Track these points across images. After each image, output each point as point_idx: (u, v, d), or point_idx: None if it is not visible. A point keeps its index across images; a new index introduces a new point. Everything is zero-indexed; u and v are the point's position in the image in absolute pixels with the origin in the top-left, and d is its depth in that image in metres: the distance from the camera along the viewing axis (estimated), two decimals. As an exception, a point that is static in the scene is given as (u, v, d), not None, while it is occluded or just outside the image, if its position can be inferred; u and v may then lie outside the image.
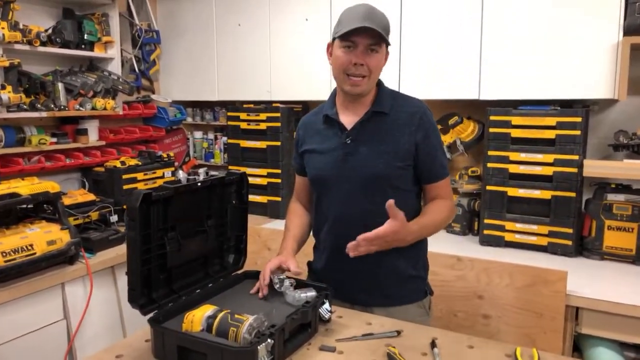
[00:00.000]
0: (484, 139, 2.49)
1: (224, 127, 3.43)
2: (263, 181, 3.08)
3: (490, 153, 2.43)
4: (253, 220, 2.86)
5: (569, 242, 2.29)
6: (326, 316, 1.47)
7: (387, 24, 1.48)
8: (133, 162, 2.85)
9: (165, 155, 3.04)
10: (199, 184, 1.49)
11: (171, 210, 1.42)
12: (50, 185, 2.18)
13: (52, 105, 2.49)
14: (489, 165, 2.44)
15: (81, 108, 2.62)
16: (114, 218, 2.61)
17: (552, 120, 2.28)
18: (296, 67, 2.89)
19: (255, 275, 1.65)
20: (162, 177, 2.99)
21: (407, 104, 1.57)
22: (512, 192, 2.40)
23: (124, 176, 2.77)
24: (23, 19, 2.51)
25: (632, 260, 2.21)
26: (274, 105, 3.02)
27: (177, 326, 1.30)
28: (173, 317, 1.38)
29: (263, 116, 3.03)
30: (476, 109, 2.62)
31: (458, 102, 2.63)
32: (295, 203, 1.80)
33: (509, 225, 2.42)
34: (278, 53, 2.97)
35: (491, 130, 2.42)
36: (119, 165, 2.77)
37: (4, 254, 1.94)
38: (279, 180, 3.03)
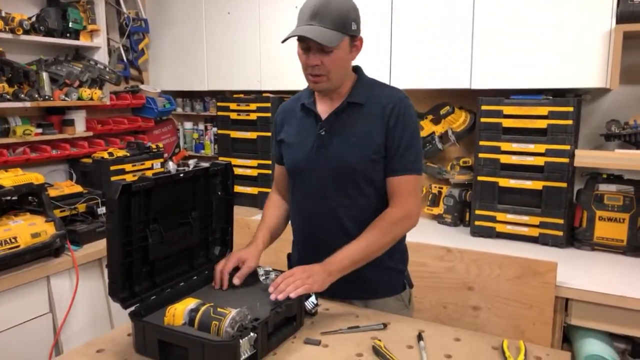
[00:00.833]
0: (476, 129, 2.46)
1: (214, 118, 3.39)
2: (253, 172, 3.05)
3: (481, 143, 2.41)
4: (243, 212, 2.84)
5: (560, 233, 2.28)
6: (312, 309, 1.45)
7: (341, 17, 1.38)
8: (121, 153, 2.81)
9: (154, 147, 3.00)
10: (182, 175, 1.46)
11: (153, 201, 1.38)
12: (34, 176, 2.14)
13: (37, 95, 2.44)
14: (481, 155, 2.42)
15: (67, 98, 2.57)
16: (102, 210, 2.57)
17: (544, 110, 2.25)
18: (286, 57, 2.83)
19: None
20: (151, 168, 2.95)
21: (383, 94, 1.52)
22: (504, 182, 2.38)
23: (112, 167, 2.73)
24: (6, 6, 2.45)
25: (622, 251, 2.20)
26: (264, 95, 2.98)
27: (160, 320, 1.28)
28: (155, 311, 1.35)
29: (253, 106, 2.99)
30: (468, 99, 2.59)
31: (449, 92, 2.60)
32: (274, 193, 1.78)
33: (500, 216, 2.41)
34: (268, 42, 2.93)
35: (483, 120, 2.40)
36: (106, 156, 2.73)
37: (-13, 247, 1.91)
38: (269, 172, 3.00)
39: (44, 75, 2.47)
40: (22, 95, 2.39)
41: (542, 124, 2.26)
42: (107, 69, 2.78)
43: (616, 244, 2.21)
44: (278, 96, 2.97)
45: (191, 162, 3.62)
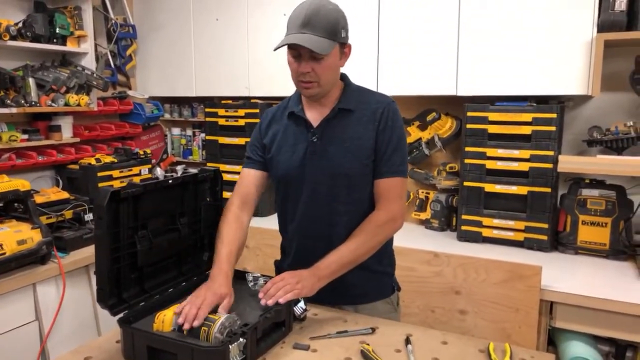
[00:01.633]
0: (462, 135, 2.50)
1: (202, 124, 3.39)
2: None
3: (467, 149, 2.44)
4: (231, 218, 2.83)
5: (545, 237, 2.32)
6: (301, 314, 1.46)
7: (331, 24, 1.40)
8: (109, 159, 2.80)
9: (142, 153, 2.99)
10: (170, 181, 1.46)
11: (142, 208, 1.39)
12: (20, 183, 2.13)
13: (23, 101, 2.42)
14: (467, 161, 2.45)
15: (54, 104, 2.55)
16: (89, 217, 2.55)
17: (528, 116, 2.29)
18: (275, 63, 2.85)
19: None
20: (139, 174, 2.94)
21: (372, 100, 1.55)
22: (489, 187, 2.42)
23: (100, 174, 2.72)
24: (-8, 12, 2.45)
25: (605, 255, 2.24)
26: (252, 101, 2.99)
27: (148, 326, 1.28)
28: (144, 318, 1.35)
29: (241, 112, 3.00)
30: (454, 105, 2.63)
31: (436, 98, 2.63)
32: (235, 209, 1.60)
33: (486, 221, 2.44)
34: (256, 49, 2.94)
35: (468, 126, 2.43)
36: (94, 162, 2.72)
37: (-28, 254, 1.89)
38: (257, 177, 3.00)
39: (31, 81, 2.46)
40: (8, 101, 2.37)
41: (526, 130, 2.30)
42: (95, 74, 2.77)
43: (599, 247, 2.25)
44: (266, 102, 2.98)
45: (179, 168, 3.60)
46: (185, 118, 3.47)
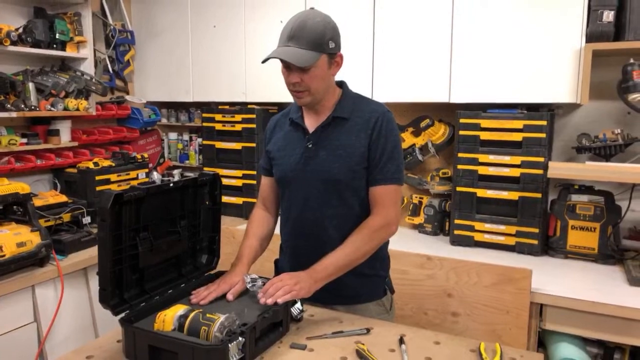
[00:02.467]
0: (454, 141, 2.55)
1: (199, 129, 3.43)
2: (238, 182, 3.09)
3: (460, 155, 2.49)
4: (228, 222, 2.87)
5: (535, 242, 2.37)
6: (297, 315, 1.50)
7: (317, 37, 1.46)
8: (107, 163, 2.83)
9: (139, 157, 3.03)
10: (171, 184, 1.50)
11: (143, 210, 1.42)
12: (20, 186, 2.16)
13: (23, 106, 2.45)
14: (459, 166, 2.50)
15: (53, 108, 2.58)
16: (87, 220, 2.58)
17: (519, 124, 2.35)
18: (271, 69, 2.87)
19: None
20: (136, 178, 2.97)
21: (367, 108, 1.60)
22: (481, 193, 2.47)
23: (98, 177, 2.75)
24: (-7, 17, 2.48)
25: (594, 259, 2.29)
26: (249, 106, 3.04)
27: (149, 326, 1.31)
28: (145, 318, 1.38)
29: (238, 117, 3.04)
30: (447, 112, 2.68)
31: (429, 105, 2.68)
32: (259, 208, 1.80)
33: (478, 225, 2.48)
34: (253, 55, 2.98)
35: (461, 132, 2.48)
36: (92, 166, 2.75)
37: (-28, 256, 1.92)
38: (254, 182, 3.04)
39: (30, 85, 2.49)
40: (8, 105, 2.40)
41: (517, 136, 2.35)
42: (94, 79, 2.81)
43: (588, 252, 2.31)
44: (263, 108, 3.03)
45: (176, 172, 3.64)
46: (182, 123, 3.50)
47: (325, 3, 2.68)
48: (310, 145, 1.59)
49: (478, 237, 2.49)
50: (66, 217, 2.53)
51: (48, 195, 2.57)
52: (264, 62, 1.50)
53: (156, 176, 3.42)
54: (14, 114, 2.41)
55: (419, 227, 2.82)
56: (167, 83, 3.32)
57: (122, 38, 3.22)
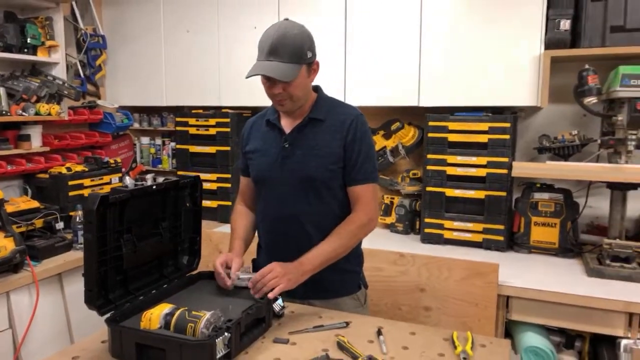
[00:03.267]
0: (424, 143, 2.65)
1: (172, 133, 3.44)
2: (213, 186, 3.11)
3: (429, 156, 2.60)
4: (204, 225, 2.85)
5: (501, 238, 2.49)
6: (279, 311, 1.55)
7: (297, 50, 1.52)
8: (80, 168, 2.81)
9: (112, 162, 3.01)
10: (154, 187, 1.53)
11: (127, 212, 1.45)
12: (-7, 192, 2.14)
13: (-6, 110, 2.43)
14: (429, 167, 2.60)
15: (24, 113, 2.56)
16: (60, 225, 2.56)
17: (484, 126, 2.47)
18: (245, 74, 2.94)
19: (209, 275, 1.72)
20: (110, 183, 2.96)
21: (342, 111, 1.68)
22: (450, 192, 2.57)
23: (70, 182, 2.73)
24: (-39, 22, 2.44)
25: (555, 253, 2.43)
26: (223, 110, 3.07)
27: (135, 326, 1.34)
28: (129, 318, 1.41)
29: (212, 121, 3.07)
30: (416, 115, 2.79)
31: (400, 109, 2.79)
32: (240, 205, 1.88)
33: (447, 223, 2.59)
34: (227, 60, 3.02)
35: (430, 135, 2.59)
36: (64, 171, 2.73)
37: (-55, 263, 1.89)
38: (228, 185, 3.07)
39: (1, 90, 2.46)
40: (-21, 111, 2.37)
41: (483, 138, 2.47)
42: (66, 84, 2.79)
43: (549, 246, 2.44)
44: (237, 112, 3.07)
45: (148, 177, 3.64)
46: (154, 127, 3.50)
47: (298, 11, 2.76)
48: (287, 145, 1.65)
49: (447, 234, 2.59)
50: (38, 223, 2.51)
51: (19, 201, 2.54)
52: (248, 77, 1.55)
53: (129, 181, 3.41)
54: (-16, 119, 2.39)
55: (390, 227, 2.91)
56: (139, 87, 3.32)
57: (94, 42, 3.20)
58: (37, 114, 2.64)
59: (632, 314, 1.91)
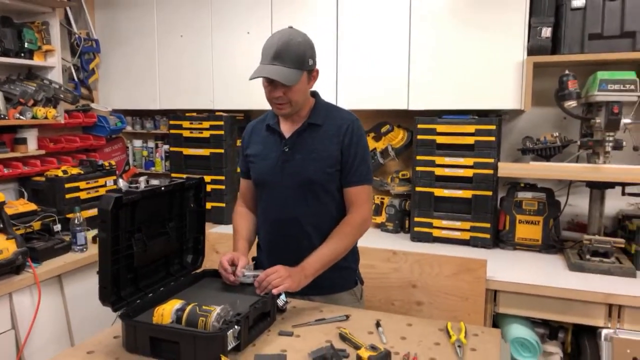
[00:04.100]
0: (413, 145, 2.75)
1: (165, 136, 3.48)
2: (207, 188, 3.15)
3: (418, 158, 2.69)
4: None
5: (488, 236, 2.60)
6: (283, 306, 1.63)
7: (300, 56, 1.60)
8: (75, 171, 2.85)
9: (107, 164, 3.05)
10: (163, 188, 1.60)
11: (138, 213, 1.52)
12: (-6, 194, 2.17)
13: (-8, 114, 2.46)
14: (418, 168, 2.70)
15: (21, 117, 2.59)
16: (58, 227, 2.60)
17: (471, 128, 2.57)
18: (239, 78, 3.02)
19: (213, 273, 1.79)
20: (104, 185, 3.00)
21: (338, 116, 1.77)
22: (438, 192, 2.67)
23: (67, 185, 2.76)
24: (-43, 26, 2.46)
25: (538, 249, 2.55)
26: (216, 113, 3.13)
27: (147, 321, 1.41)
28: (140, 314, 1.48)
29: (206, 124, 3.12)
30: (405, 118, 2.88)
31: (389, 112, 2.88)
32: (241, 206, 1.94)
33: (436, 222, 2.69)
34: (220, 64, 3.08)
35: (419, 137, 2.69)
36: (61, 174, 2.76)
37: (-50, 265, 1.92)
38: (222, 187, 3.13)
39: (-1, 94, 2.50)
40: (-22, 114, 2.40)
41: (469, 140, 2.58)
42: (62, 88, 2.82)
43: (533, 243, 2.56)
44: (231, 115, 3.13)
45: (142, 179, 3.68)
46: (147, 130, 3.54)
47: (290, 17, 2.84)
48: (286, 149, 1.73)
49: (436, 233, 2.69)
50: (36, 225, 2.54)
51: (17, 203, 2.57)
52: (251, 79, 1.62)
53: (122, 184, 3.45)
54: (-17, 123, 2.41)
55: (381, 226, 3.01)
56: (132, 91, 3.36)
57: (87, 46, 3.23)
58: (34, 117, 2.67)
59: (612, 305, 2.03)
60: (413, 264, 2.29)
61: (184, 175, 3.07)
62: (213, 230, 2.89)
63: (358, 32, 2.76)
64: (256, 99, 2.93)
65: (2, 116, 2.51)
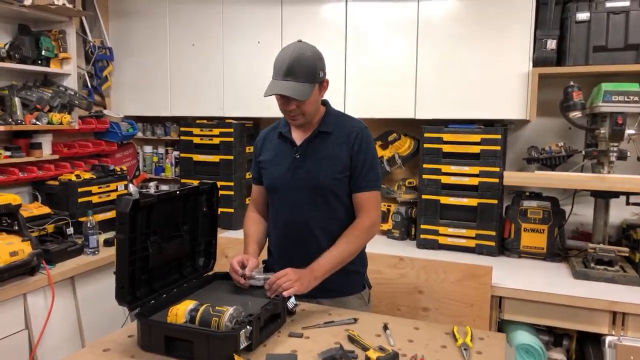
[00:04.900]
0: (419, 154, 2.79)
1: (175, 142, 3.54)
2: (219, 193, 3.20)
3: (425, 166, 2.73)
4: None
5: (493, 243, 2.63)
6: (292, 308, 1.67)
7: (311, 70, 1.65)
8: (88, 175, 2.90)
9: (118, 169, 3.11)
10: (178, 192, 1.65)
11: (154, 216, 1.57)
12: (12, 197, 2.22)
13: (10, 119, 2.52)
14: (424, 176, 2.74)
15: (37, 122, 2.65)
16: (70, 230, 2.65)
17: (477, 137, 2.62)
18: (248, 86, 3.08)
19: (223, 276, 1.84)
20: (116, 190, 3.05)
21: (348, 124, 1.82)
22: (444, 200, 2.71)
23: (80, 189, 2.82)
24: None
25: (543, 257, 2.58)
26: (227, 121, 3.19)
27: (161, 320, 1.45)
28: (154, 314, 1.52)
29: (216, 131, 3.18)
30: (412, 127, 2.93)
31: (396, 121, 2.93)
32: (253, 212, 2.00)
33: (442, 229, 2.72)
34: (231, 72, 3.15)
35: (425, 145, 2.73)
36: (74, 178, 2.81)
37: (-32, 265, 1.97)
38: (231, 193, 3.18)
39: (17, 100, 2.56)
40: (-3, 119, 2.47)
41: (475, 149, 2.62)
42: (77, 94, 2.89)
43: (538, 251, 2.59)
44: (240, 122, 3.19)
45: (151, 185, 3.74)
46: (158, 136, 3.60)
47: (300, 28, 2.91)
48: (298, 156, 1.78)
49: (442, 240, 2.73)
50: (50, 228, 2.60)
51: (32, 207, 2.62)
52: (266, 96, 1.68)
53: (132, 189, 3.51)
54: (1, 128, 2.47)
55: (387, 233, 3.04)
56: (144, 98, 3.42)
57: (101, 54, 3.31)
58: (49, 123, 2.73)
59: (616, 313, 2.06)
60: (419, 270, 2.32)
61: (195, 181, 3.14)
62: (222, 235, 2.93)
63: (366, 42, 2.82)
64: (265, 107, 2.99)
65: (19, 121, 2.57)
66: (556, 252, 2.57)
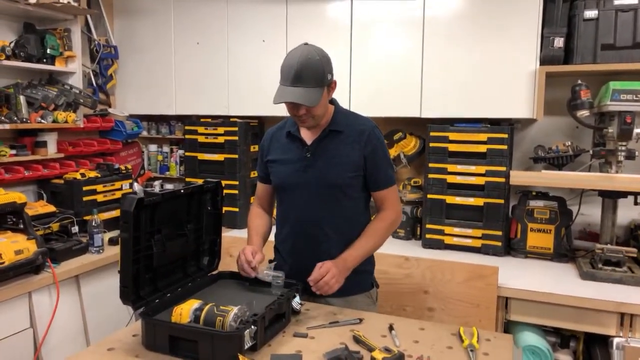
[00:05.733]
0: (425, 153, 2.77)
1: (180, 140, 3.54)
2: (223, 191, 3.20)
3: (430, 165, 2.72)
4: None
5: (499, 243, 2.61)
6: (297, 308, 1.66)
7: (319, 75, 1.65)
8: (93, 174, 2.90)
9: (123, 168, 3.11)
10: (182, 191, 1.64)
11: (158, 214, 1.56)
12: (17, 196, 2.23)
13: (15, 118, 2.52)
14: (430, 176, 2.72)
15: (43, 120, 2.65)
16: (75, 229, 2.65)
17: (483, 136, 2.60)
18: (253, 85, 3.08)
19: (228, 275, 1.83)
20: (121, 189, 3.05)
21: (358, 122, 1.82)
22: (450, 199, 2.69)
23: (85, 188, 2.82)
24: (-17, 33, 2.54)
25: (550, 258, 2.55)
26: (231, 120, 3.18)
27: (165, 320, 1.44)
28: (158, 313, 1.52)
29: (221, 130, 3.17)
30: (418, 126, 2.92)
31: (402, 120, 2.91)
32: (257, 207, 2.00)
33: (447, 229, 2.70)
34: (236, 71, 3.14)
35: (431, 144, 2.71)
36: (79, 177, 2.82)
37: (-27, 263, 1.97)
38: (236, 192, 3.17)
39: (22, 98, 2.56)
40: (2, 118, 2.46)
41: (482, 148, 2.60)
42: (82, 93, 2.89)
43: (545, 251, 2.57)
44: (245, 121, 3.18)
45: (156, 184, 3.73)
46: (162, 135, 3.60)
47: (305, 27, 2.89)
48: (308, 155, 1.78)
49: (448, 240, 2.71)
50: (55, 226, 2.60)
51: (37, 205, 2.63)
52: (276, 103, 1.67)
53: (137, 187, 3.51)
54: (7, 126, 2.48)
55: (392, 233, 3.01)
56: (149, 96, 3.42)
57: (106, 53, 3.31)
58: (54, 121, 2.73)
59: (624, 314, 2.04)
60: (425, 270, 2.31)
61: (199, 180, 3.13)
62: (226, 234, 2.92)
63: (371, 40, 2.80)
64: (270, 105, 3.00)
65: (24, 120, 2.57)
66: (563, 253, 2.54)
